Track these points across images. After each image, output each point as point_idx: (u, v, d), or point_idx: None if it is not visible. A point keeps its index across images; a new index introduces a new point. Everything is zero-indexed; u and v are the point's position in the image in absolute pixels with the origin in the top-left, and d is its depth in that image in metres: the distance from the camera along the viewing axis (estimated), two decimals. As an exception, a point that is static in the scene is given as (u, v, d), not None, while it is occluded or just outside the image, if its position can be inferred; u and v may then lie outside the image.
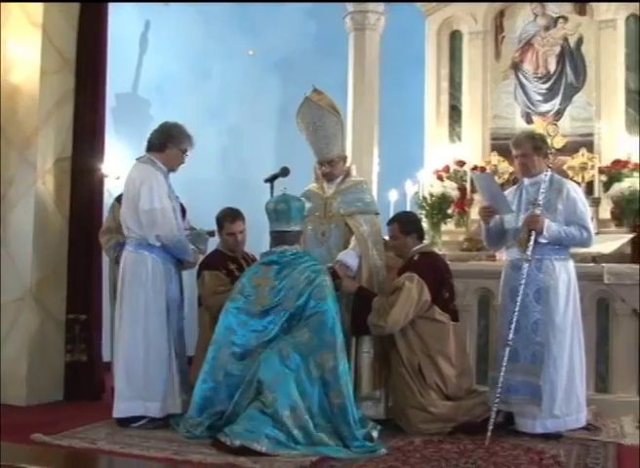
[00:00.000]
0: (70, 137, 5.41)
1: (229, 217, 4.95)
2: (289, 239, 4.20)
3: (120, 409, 4.28)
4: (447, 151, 7.25)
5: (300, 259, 4.13)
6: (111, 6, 5.60)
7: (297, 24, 8.74)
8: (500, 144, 6.79)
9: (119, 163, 6.44)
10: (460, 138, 7.40)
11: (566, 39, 7.22)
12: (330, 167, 4.73)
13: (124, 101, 7.44)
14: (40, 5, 5.19)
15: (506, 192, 4.60)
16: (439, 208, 6.52)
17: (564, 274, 4.31)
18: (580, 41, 7.18)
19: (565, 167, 6.74)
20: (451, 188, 6.88)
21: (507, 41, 7.42)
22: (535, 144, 4.40)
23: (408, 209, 6.58)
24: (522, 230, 4.31)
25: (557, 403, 4.21)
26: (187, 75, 8.04)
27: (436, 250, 6.41)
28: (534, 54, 7.32)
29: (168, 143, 4.44)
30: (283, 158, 6.24)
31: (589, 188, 6.56)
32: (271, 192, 4.71)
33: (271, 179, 4.76)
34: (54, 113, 5.31)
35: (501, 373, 4.13)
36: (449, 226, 6.81)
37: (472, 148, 7.25)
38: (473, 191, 6.72)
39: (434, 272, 4.41)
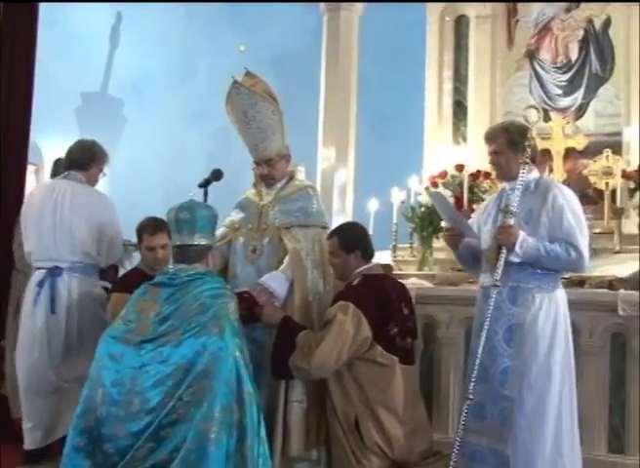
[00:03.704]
0: (-9, 139, 4.88)
1: (149, 228, 4.14)
2: (191, 255, 3.38)
3: None
4: (450, 154, 6.25)
5: (198, 282, 3.28)
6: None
7: (294, 18, 7.97)
8: (512, 146, 5.74)
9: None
10: (465, 139, 6.40)
11: (590, 21, 6.12)
12: (268, 167, 3.90)
13: (91, 101, 6.81)
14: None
15: (487, 200, 3.72)
16: (429, 220, 5.52)
17: (547, 307, 3.28)
18: (607, 23, 6.06)
19: (586, 171, 5.69)
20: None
21: (521, 25, 6.36)
22: (510, 139, 3.40)
23: (394, 220, 5.67)
24: (491, 246, 3.32)
25: (536, 479, 3.19)
26: (169, 73, 7.42)
27: (426, 269, 5.48)
28: (552, 40, 6.25)
29: (91, 162, 4.35)
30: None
31: (614, 197, 5.49)
32: (205, 199, 3.99)
33: (204, 185, 4.06)
34: (-28, 111, 4.78)
35: (458, 436, 3.16)
36: (443, 242, 5.79)
37: (479, 150, 6.21)
38: (473, 200, 5.72)
39: (376, 301, 3.41)
